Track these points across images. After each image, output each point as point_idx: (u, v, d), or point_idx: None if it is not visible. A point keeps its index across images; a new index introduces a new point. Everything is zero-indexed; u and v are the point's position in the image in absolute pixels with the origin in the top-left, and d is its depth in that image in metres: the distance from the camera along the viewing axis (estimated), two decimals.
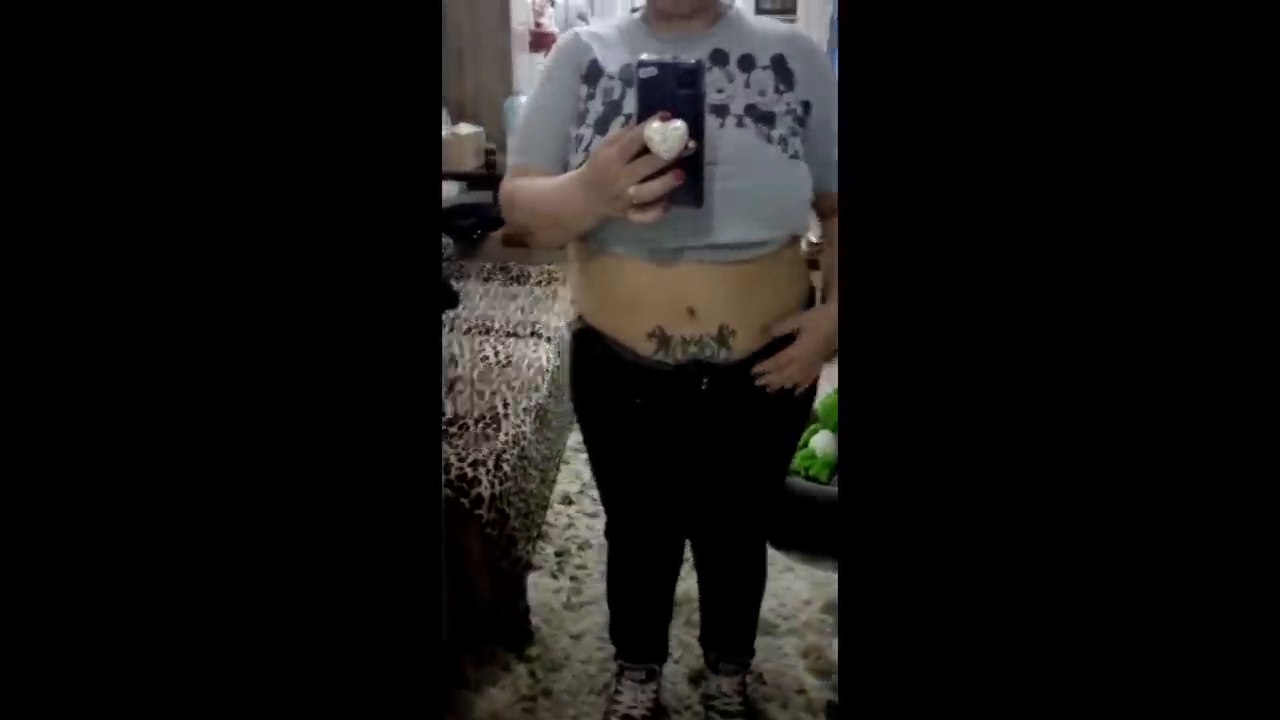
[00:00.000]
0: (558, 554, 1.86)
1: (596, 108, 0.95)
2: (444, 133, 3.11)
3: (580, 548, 1.88)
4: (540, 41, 3.99)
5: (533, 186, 0.96)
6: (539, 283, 2.71)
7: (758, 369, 1.01)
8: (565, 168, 0.97)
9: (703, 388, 1.01)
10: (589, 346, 1.07)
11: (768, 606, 1.67)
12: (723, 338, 0.98)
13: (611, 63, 0.97)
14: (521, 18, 3.78)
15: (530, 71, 3.95)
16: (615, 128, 0.92)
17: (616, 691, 1.43)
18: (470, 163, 3.13)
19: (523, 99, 3.33)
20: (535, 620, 1.63)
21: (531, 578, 1.76)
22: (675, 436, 1.10)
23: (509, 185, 1.00)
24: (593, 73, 0.97)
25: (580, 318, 1.08)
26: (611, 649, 1.47)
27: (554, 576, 1.79)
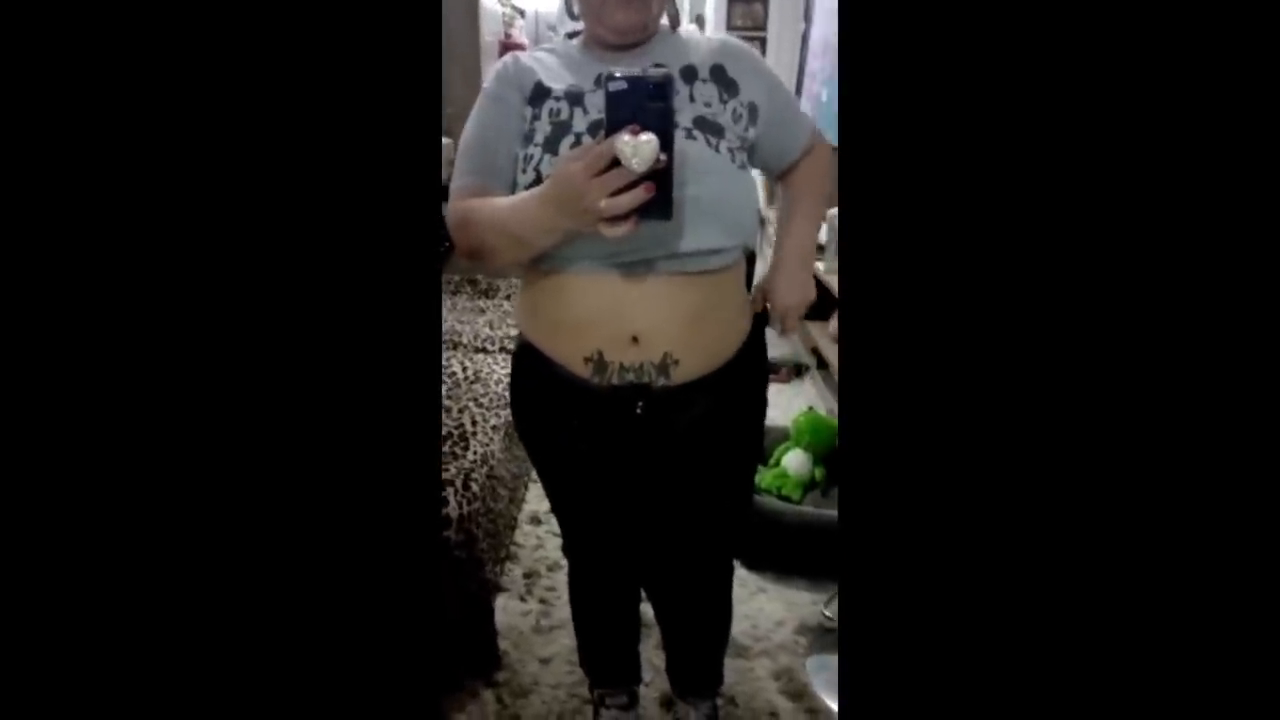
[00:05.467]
0: (526, 575, 1.83)
1: (544, 127, 0.94)
2: None
3: (549, 569, 1.85)
4: (510, 52, 3.96)
5: (489, 206, 0.93)
6: (508, 296, 2.68)
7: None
8: (514, 188, 0.95)
9: (638, 412, 0.99)
10: (528, 364, 1.05)
11: (740, 629, 1.65)
12: (664, 366, 0.96)
13: (555, 83, 0.96)
14: (492, 28, 3.75)
15: None
16: (565, 147, 0.91)
17: None
18: None
19: None
20: (503, 644, 1.60)
21: (500, 600, 1.72)
22: (614, 460, 1.07)
23: (460, 206, 0.97)
24: (538, 94, 0.96)
25: (520, 335, 1.06)
26: (580, 673, 1.43)
27: (522, 599, 1.76)
